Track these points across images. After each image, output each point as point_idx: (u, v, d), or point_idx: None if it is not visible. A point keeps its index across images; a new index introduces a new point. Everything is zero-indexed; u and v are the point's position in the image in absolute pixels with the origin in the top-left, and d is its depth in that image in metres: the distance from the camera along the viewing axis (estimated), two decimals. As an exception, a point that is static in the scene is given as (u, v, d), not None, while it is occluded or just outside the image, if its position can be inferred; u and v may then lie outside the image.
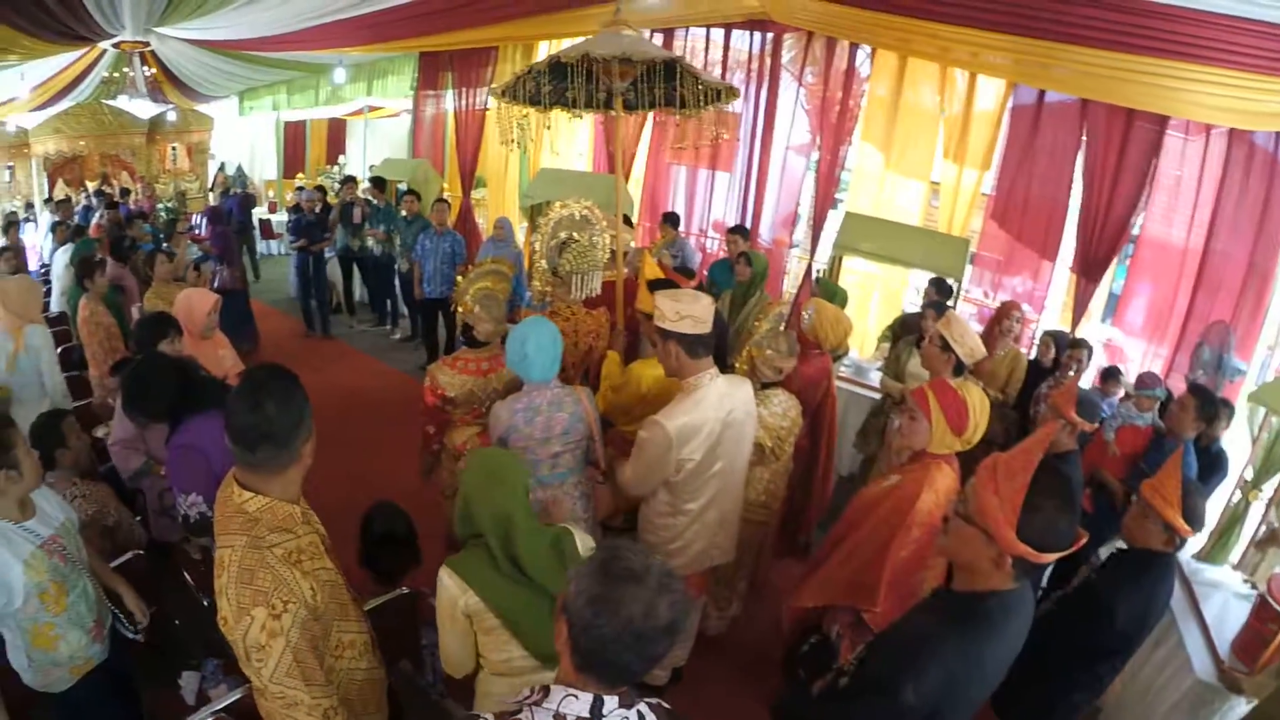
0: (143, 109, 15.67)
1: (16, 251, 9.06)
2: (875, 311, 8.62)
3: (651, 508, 3.64)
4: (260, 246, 15.11)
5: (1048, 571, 4.03)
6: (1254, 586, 4.29)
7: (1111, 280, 7.49)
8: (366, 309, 11.60)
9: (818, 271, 8.36)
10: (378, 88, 13.09)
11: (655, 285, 4.47)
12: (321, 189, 11.54)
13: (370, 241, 10.27)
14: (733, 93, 4.79)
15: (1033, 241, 7.34)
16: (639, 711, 1.66)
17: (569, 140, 11.29)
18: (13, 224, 11.11)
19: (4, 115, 14.35)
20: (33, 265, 11.25)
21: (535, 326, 3.56)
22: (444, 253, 8.66)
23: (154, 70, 12.86)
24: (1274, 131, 5.90)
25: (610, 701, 1.62)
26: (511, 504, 2.47)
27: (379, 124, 16.87)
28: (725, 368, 3.84)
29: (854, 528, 3.28)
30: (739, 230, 7.39)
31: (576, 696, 1.62)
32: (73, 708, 3.09)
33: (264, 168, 18.30)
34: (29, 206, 15.14)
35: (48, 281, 9.25)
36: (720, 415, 3.42)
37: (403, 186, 10.48)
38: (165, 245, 9.26)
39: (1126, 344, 7.14)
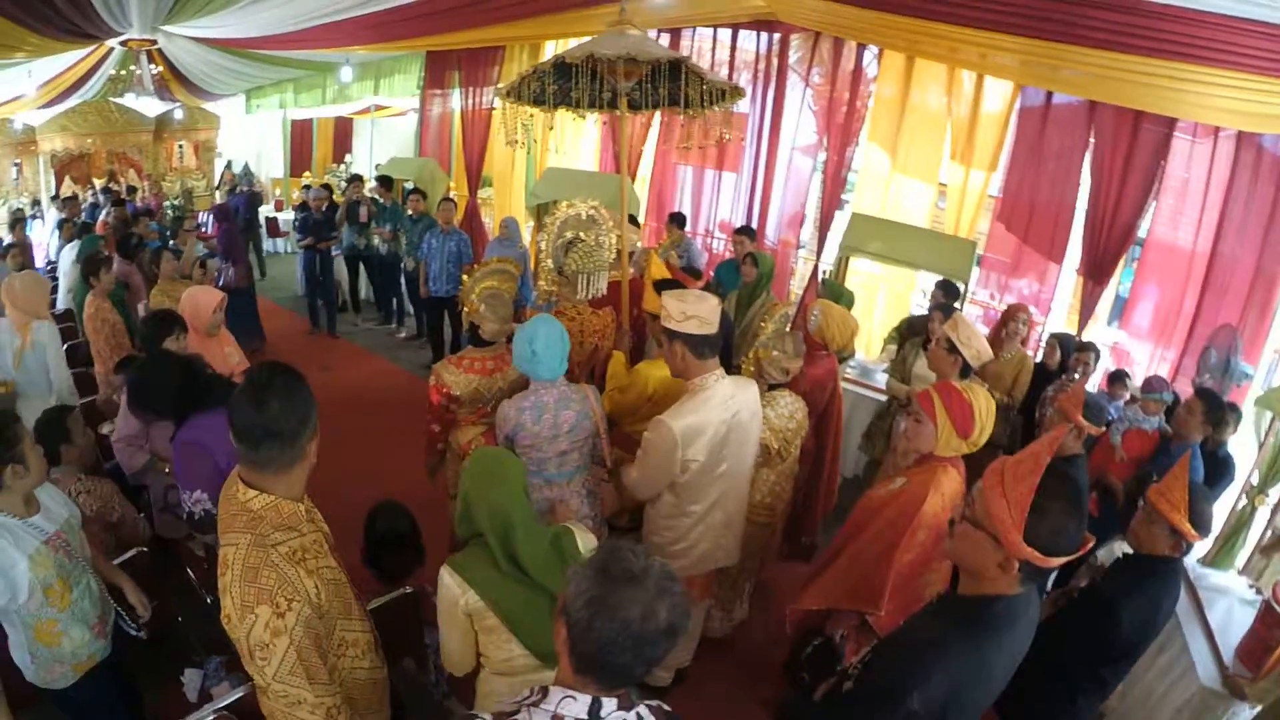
0: (150, 107, 15.70)
1: (23, 248, 9.08)
2: (881, 313, 8.60)
3: (656, 509, 3.63)
4: (266, 245, 15.12)
5: (1052, 574, 4.02)
6: (1259, 592, 4.27)
7: (1118, 283, 7.46)
8: (372, 307, 11.62)
9: (824, 273, 8.35)
10: (384, 86, 13.09)
11: (662, 285, 4.46)
12: (328, 187, 11.55)
13: (376, 240, 10.28)
14: (738, 92, 4.78)
15: (1039, 244, 7.32)
16: (638, 714, 1.65)
17: (576, 140, 11.28)
18: (19, 221, 11.11)
19: (11, 112, 14.35)
20: (39, 262, 11.26)
21: (543, 325, 3.56)
22: (450, 252, 8.66)
23: (161, 68, 12.84)
24: (1283, 135, 5.89)
25: (609, 704, 1.61)
26: (510, 503, 2.47)
27: (385, 123, 16.91)
28: (730, 369, 3.83)
29: (859, 530, 3.27)
30: (745, 231, 7.38)
31: (574, 698, 1.61)
32: (75, 704, 3.10)
33: (271, 166, 18.33)
34: (35, 203, 15.16)
35: (54, 278, 9.26)
36: (725, 416, 3.42)
37: (409, 185, 10.47)
38: (172, 243, 9.29)
39: (1133, 347, 7.12)
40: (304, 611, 2.01)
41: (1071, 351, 5.75)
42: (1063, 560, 1.97)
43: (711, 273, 7.80)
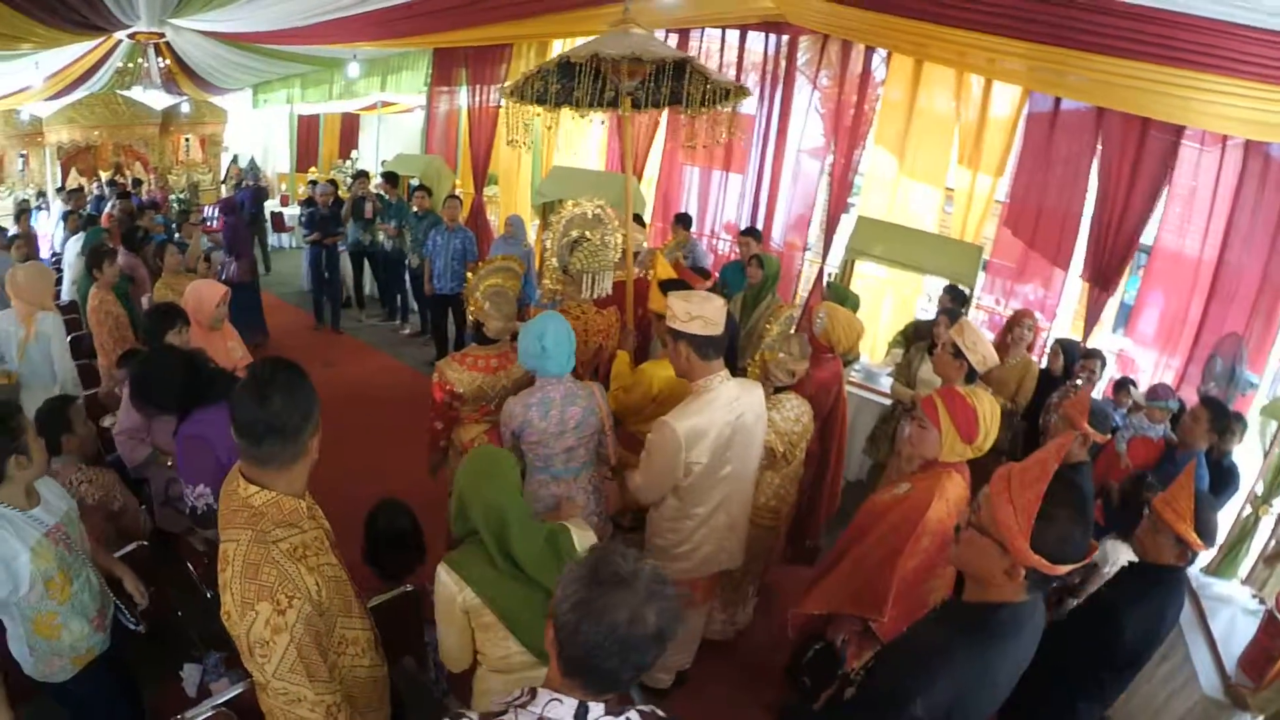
0: (157, 100, 15.72)
1: (28, 239, 9.08)
2: (887, 317, 8.58)
3: (660, 511, 3.62)
4: (271, 240, 15.14)
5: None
6: (1262, 602, 4.26)
7: (1123, 290, 7.44)
8: (376, 304, 11.64)
9: (829, 276, 8.33)
10: (392, 83, 13.07)
11: (667, 285, 4.45)
12: (333, 183, 11.55)
13: (381, 236, 10.29)
14: (743, 92, 4.77)
15: (1046, 249, 7.31)
16: (628, 719, 1.63)
17: (582, 139, 11.27)
18: (24, 212, 11.12)
19: (18, 104, 14.37)
20: (44, 254, 11.26)
21: (551, 321, 3.57)
22: (455, 249, 8.65)
23: (168, 62, 12.85)
24: (1291, 144, 5.87)
25: (596, 708, 1.59)
26: (504, 500, 2.47)
27: (392, 119, 16.91)
28: (735, 371, 3.83)
29: (863, 535, 3.26)
30: (751, 232, 7.36)
31: (561, 701, 1.59)
32: (74, 698, 3.09)
33: (277, 161, 18.37)
34: (41, 195, 15.17)
35: (59, 270, 9.27)
36: (730, 418, 3.41)
37: (414, 182, 10.47)
38: (177, 236, 9.29)
39: (1138, 354, 7.10)
40: (304, 609, 2.00)
41: (1076, 357, 5.73)
42: (1069, 568, 1.96)
43: (717, 274, 7.78)
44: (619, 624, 1.51)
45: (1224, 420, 4.61)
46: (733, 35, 8.97)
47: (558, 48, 10.08)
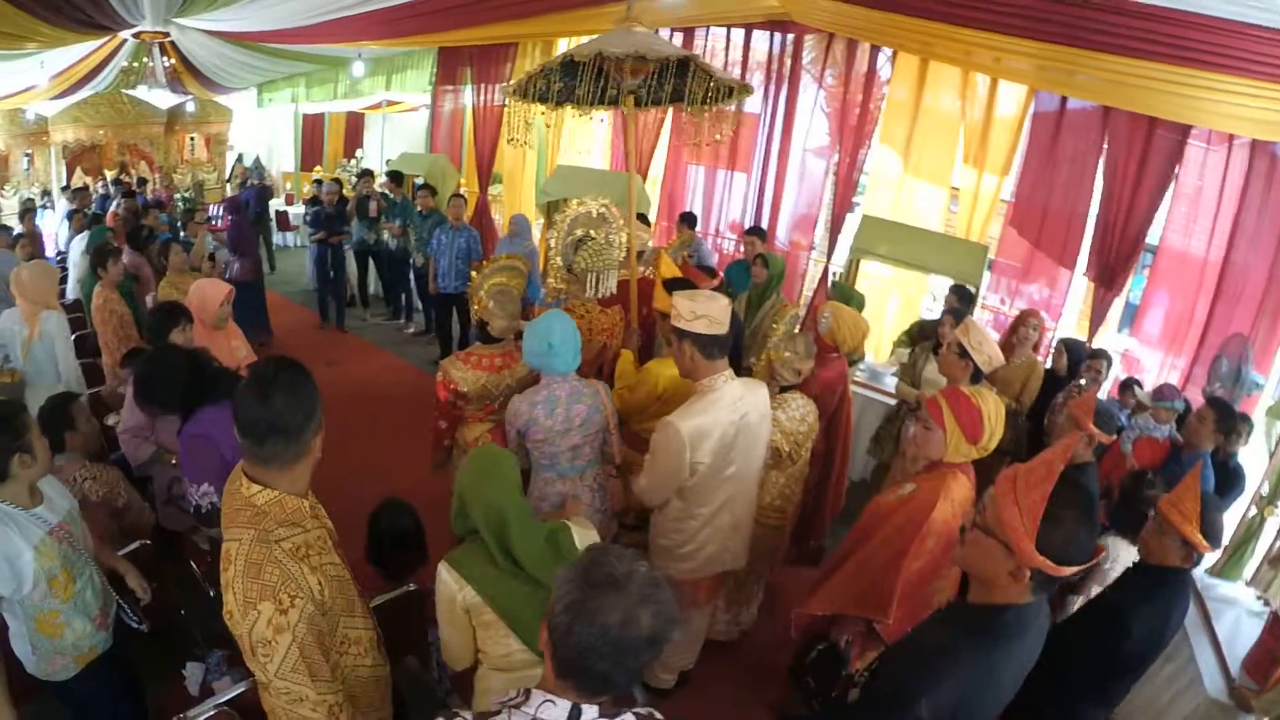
0: (162, 99, 15.76)
1: (33, 239, 9.11)
2: (892, 316, 8.57)
3: (664, 511, 3.61)
4: (276, 239, 15.16)
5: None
6: (1267, 603, 4.24)
7: (1129, 290, 7.42)
8: (381, 302, 11.64)
9: (834, 275, 8.32)
10: (396, 82, 13.08)
11: (672, 284, 4.45)
12: (338, 182, 11.56)
13: (386, 235, 10.29)
14: (746, 89, 4.76)
15: (1051, 249, 7.29)
16: None
17: (587, 137, 11.27)
18: (29, 211, 11.15)
19: (24, 103, 14.41)
20: (49, 252, 11.29)
21: (557, 319, 3.58)
22: (459, 248, 8.64)
23: (173, 61, 12.87)
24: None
25: (589, 711, 1.58)
26: (504, 499, 2.48)
27: (397, 118, 16.93)
28: (740, 370, 3.82)
29: (867, 536, 3.25)
30: (756, 232, 7.35)
31: (554, 703, 1.59)
32: (76, 696, 3.09)
33: (282, 160, 18.40)
34: (46, 194, 15.21)
35: (64, 269, 9.29)
36: (734, 418, 3.40)
37: (419, 181, 10.47)
38: (183, 235, 9.30)
39: (1143, 354, 7.08)
40: (306, 608, 2.00)
41: (1080, 357, 5.71)
42: (1074, 570, 1.95)
43: (722, 273, 7.77)
44: (611, 626, 1.50)
45: (1230, 421, 4.60)
46: (737, 34, 8.95)
47: (563, 47, 10.07)
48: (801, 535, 5.13)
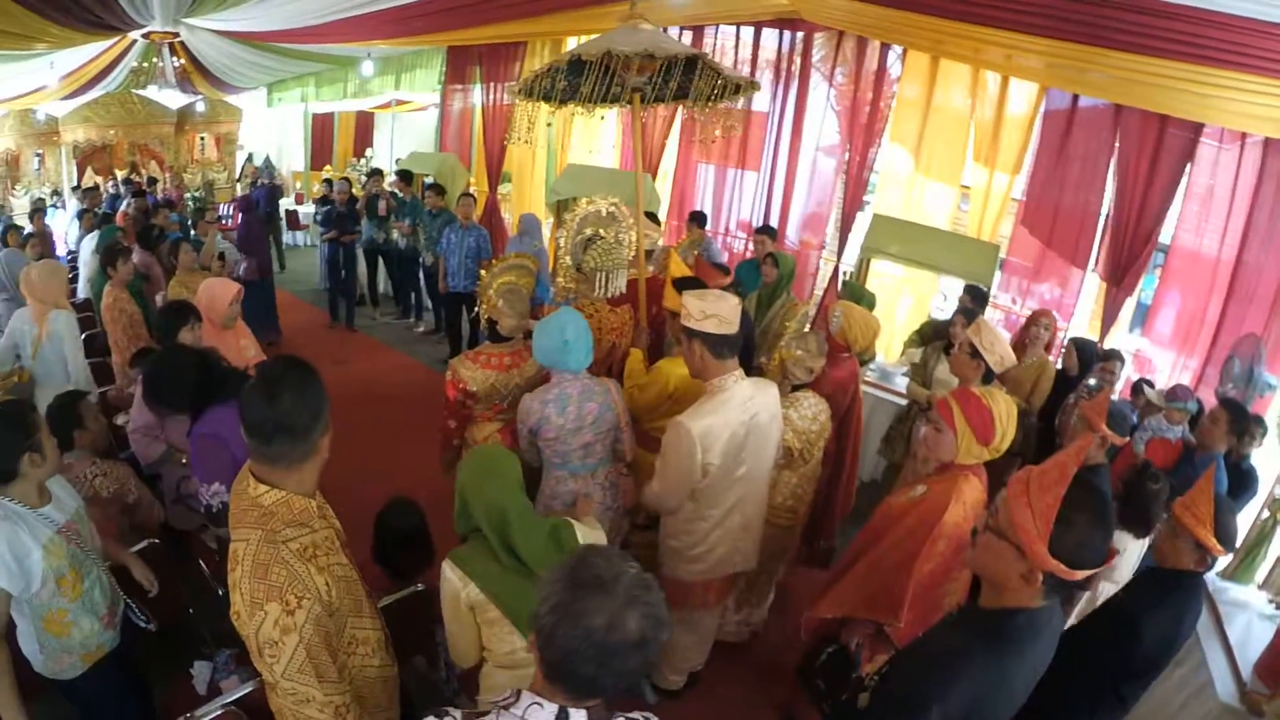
0: (172, 99, 15.81)
1: (43, 238, 9.14)
2: (902, 316, 8.54)
3: (674, 513, 3.59)
4: (286, 238, 15.19)
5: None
6: (1279, 607, 4.22)
7: (1140, 289, 7.39)
8: (391, 301, 11.65)
9: (845, 274, 8.29)
10: (405, 81, 13.09)
11: (682, 283, 4.43)
12: (348, 181, 11.57)
13: (395, 234, 10.30)
14: (753, 86, 4.75)
15: (1063, 248, 7.25)
16: None
17: (597, 136, 11.26)
18: (39, 210, 11.18)
19: (34, 103, 14.46)
20: (60, 252, 11.33)
21: (569, 316, 3.58)
22: (469, 247, 8.63)
23: (183, 61, 12.91)
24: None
25: (576, 715, 1.57)
26: (505, 497, 2.49)
27: (406, 117, 16.94)
28: (751, 369, 3.80)
29: (878, 538, 3.23)
30: (766, 230, 7.33)
31: (541, 705, 1.57)
32: (83, 695, 3.10)
33: (291, 159, 18.45)
34: (56, 194, 15.27)
35: (74, 268, 9.31)
36: (744, 418, 3.38)
37: (428, 180, 10.48)
38: (193, 234, 9.33)
39: (1155, 355, 7.05)
40: (314, 609, 2.00)
41: (1091, 356, 5.68)
42: (1087, 573, 1.93)
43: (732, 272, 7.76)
44: (595, 629, 1.47)
45: (1243, 423, 4.57)
46: (747, 32, 8.93)
47: (571, 45, 10.06)
48: (811, 536, 5.11)
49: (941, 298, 8.41)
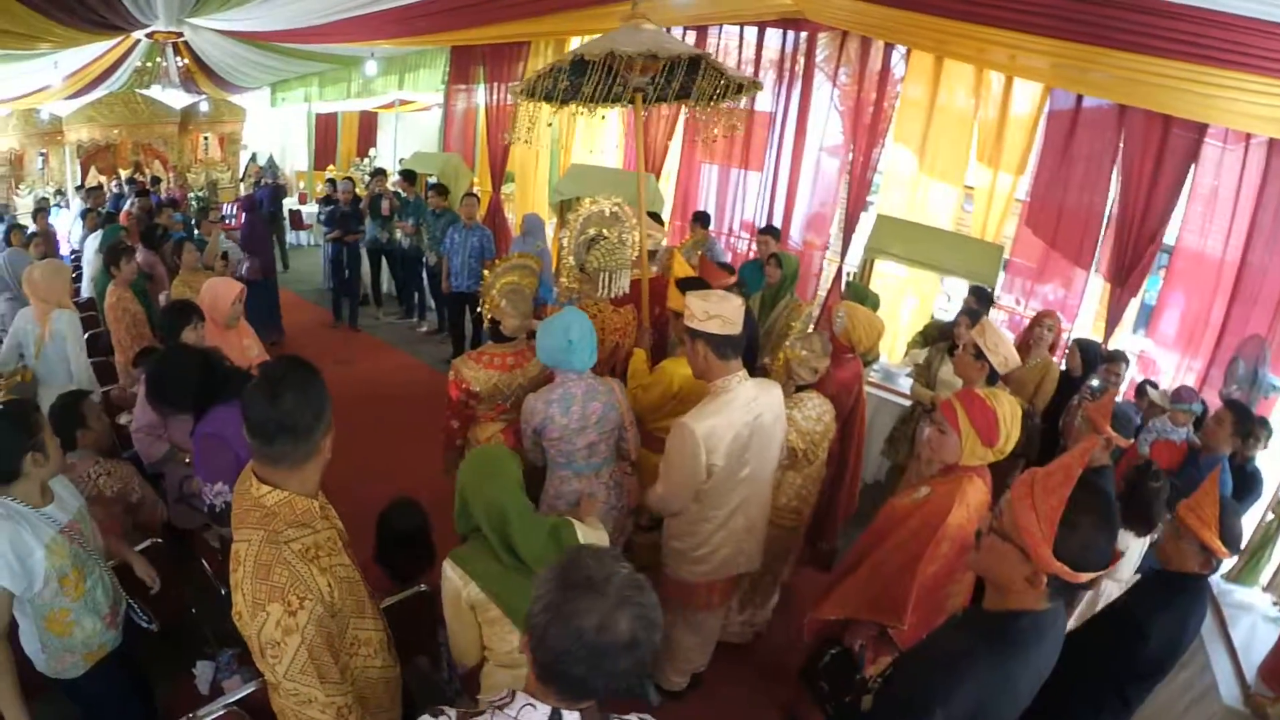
0: (176, 99, 15.79)
1: (46, 238, 9.15)
2: (906, 317, 8.53)
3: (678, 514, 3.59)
4: (290, 237, 15.20)
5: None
6: (1284, 610, 4.20)
7: (1144, 290, 7.37)
8: (394, 301, 11.66)
9: (848, 275, 8.28)
10: (409, 81, 13.08)
11: (685, 284, 4.43)
12: (351, 180, 11.58)
13: (399, 234, 10.30)
14: (755, 85, 4.74)
15: (1067, 249, 7.24)
16: None
17: (600, 136, 11.25)
18: (42, 210, 11.20)
19: (38, 103, 14.48)
20: (63, 251, 11.34)
21: (574, 316, 3.59)
22: (472, 247, 8.64)
23: (186, 61, 12.93)
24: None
25: (569, 717, 1.56)
26: (505, 497, 2.50)
27: (410, 117, 16.92)
28: (755, 370, 3.80)
29: (881, 540, 3.22)
30: (770, 231, 7.33)
31: (534, 706, 1.56)
32: (85, 695, 3.10)
33: (295, 159, 18.47)
34: (60, 193, 15.29)
35: (78, 268, 9.32)
36: (748, 419, 3.38)
37: (432, 179, 10.48)
38: (196, 234, 9.33)
39: (1159, 356, 7.03)
40: (316, 610, 1.99)
41: (1096, 358, 5.67)
42: (1092, 575, 1.92)
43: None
44: (586, 630, 1.45)
45: (1248, 424, 4.56)
46: (750, 32, 8.92)
47: (575, 45, 10.05)
48: (814, 537, 5.11)
49: (945, 298, 8.40)
